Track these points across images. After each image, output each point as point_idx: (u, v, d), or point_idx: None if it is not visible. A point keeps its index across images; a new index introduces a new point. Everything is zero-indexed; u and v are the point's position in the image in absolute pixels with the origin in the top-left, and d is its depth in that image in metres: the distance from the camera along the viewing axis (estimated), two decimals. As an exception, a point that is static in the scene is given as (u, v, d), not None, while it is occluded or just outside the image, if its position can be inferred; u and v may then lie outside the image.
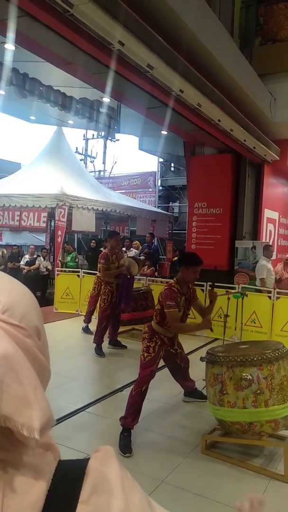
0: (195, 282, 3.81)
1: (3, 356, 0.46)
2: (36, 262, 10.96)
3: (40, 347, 0.54)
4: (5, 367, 0.46)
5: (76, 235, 15.78)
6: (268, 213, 9.62)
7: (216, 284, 7.02)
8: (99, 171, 21.36)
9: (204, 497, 2.80)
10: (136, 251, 10.29)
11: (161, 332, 3.67)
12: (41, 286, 10.68)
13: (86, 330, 6.99)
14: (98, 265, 6.38)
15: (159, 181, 18.24)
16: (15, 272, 11.01)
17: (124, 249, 9.43)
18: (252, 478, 3.06)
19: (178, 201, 18.35)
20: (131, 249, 10.11)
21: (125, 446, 3.32)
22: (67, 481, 0.50)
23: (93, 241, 12.10)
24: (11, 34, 4.48)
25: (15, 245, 12.48)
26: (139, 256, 10.07)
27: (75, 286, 8.50)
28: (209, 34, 5.61)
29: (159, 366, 3.75)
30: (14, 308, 0.51)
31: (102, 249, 6.81)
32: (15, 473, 0.47)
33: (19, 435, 0.46)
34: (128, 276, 5.92)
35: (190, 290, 3.76)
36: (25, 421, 0.45)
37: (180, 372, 4.19)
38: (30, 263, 11.00)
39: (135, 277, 6.42)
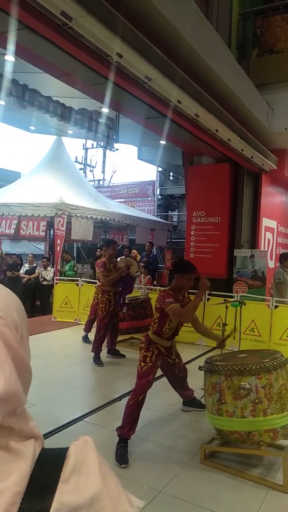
0: (191, 290, 3.81)
1: None
2: (36, 271, 10.96)
3: (17, 339, 0.58)
4: None
5: (75, 244, 15.80)
6: (266, 222, 9.66)
7: (214, 293, 7.07)
8: (99, 180, 21.46)
9: (202, 507, 2.78)
10: (135, 260, 10.30)
11: (157, 342, 3.67)
12: (43, 295, 10.68)
13: (85, 339, 6.98)
14: (97, 275, 6.38)
15: (158, 190, 18.32)
16: (14, 281, 11.00)
17: (123, 256, 9.43)
18: (251, 488, 3.04)
19: (177, 210, 18.40)
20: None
21: (121, 457, 3.31)
22: (50, 463, 0.54)
23: (98, 250, 12.10)
24: (11, 46, 4.54)
25: (14, 254, 12.48)
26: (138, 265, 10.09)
27: (74, 295, 8.50)
28: (207, 45, 5.68)
29: (157, 375, 3.74)
30: None
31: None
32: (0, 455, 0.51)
33: None
34: (130, 275, 6.03)
35: (185, 299, 3.76)
36: None
37: (178, 382, 4.18)
38: (29, 272, 11.00)
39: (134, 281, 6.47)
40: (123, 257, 8.85)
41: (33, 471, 0.52)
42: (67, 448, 0.56)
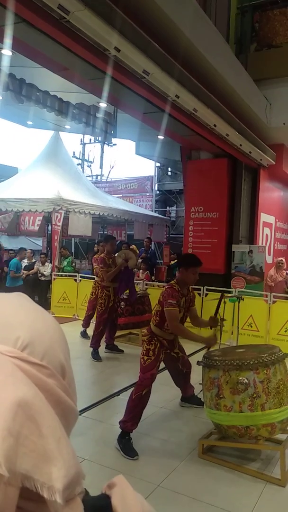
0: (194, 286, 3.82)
1: (20, 403, 0.40)
2: (35, 266, 10.95)
3: (64, 387, 0.48)
4: (23, 416, 0.39)
5: (73, 239, 15.78)
6: (264, 217, 9.66)
7: (212, 288, 7.07)
8: (96, 175, 21.41)
9: (200, 501, 2.80)
10: (133, 255, 10.30)
11: (160, 335, 3.67)
12: (42, 291, 10.69)
13: (83, 334, 7.00)
14: (95, 270, 6.38)
15: (156, 185, 18.28)
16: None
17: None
18: (249, 482, 3.06)
19: (175, 206, 18.38)
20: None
21: (130, 450, 3.33)
22: None
23: (96, 245, 12.08)
24: (8, 40, 4.50)
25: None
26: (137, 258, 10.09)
27: (72, 291, 8.51)
28: (205, 40, 5.66)
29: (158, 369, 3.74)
30: (35, 344, 0.46)
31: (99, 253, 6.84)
32: None
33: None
34: (129, 268, 6.02)
35: (190, 293, 3.77)
36: (45, 480, 0.39)
37: (181, 377, 4.17)
38: (28, 267, 10.99)
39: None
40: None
41: None
42: (107, 498, 0.49)
